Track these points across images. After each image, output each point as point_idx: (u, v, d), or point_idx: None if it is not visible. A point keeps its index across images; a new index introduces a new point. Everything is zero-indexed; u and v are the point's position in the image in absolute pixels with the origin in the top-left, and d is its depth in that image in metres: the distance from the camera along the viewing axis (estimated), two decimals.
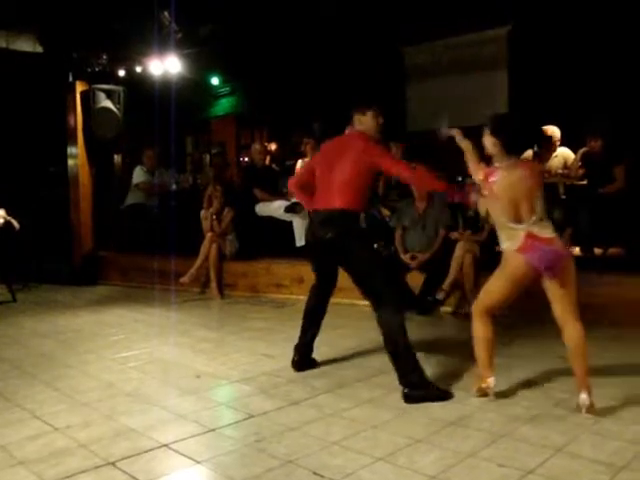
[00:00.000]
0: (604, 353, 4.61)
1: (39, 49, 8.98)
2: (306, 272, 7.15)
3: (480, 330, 3.76)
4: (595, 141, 6.53)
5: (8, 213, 7.97)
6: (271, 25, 8.79)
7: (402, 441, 3.10)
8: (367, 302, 4.05)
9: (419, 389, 3.70)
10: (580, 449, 2.94)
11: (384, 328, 3.84)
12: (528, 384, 3.95)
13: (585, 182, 6.62)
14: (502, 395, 3.74)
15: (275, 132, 11.38)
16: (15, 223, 7.91)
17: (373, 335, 5.05)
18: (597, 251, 6.61)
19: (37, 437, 3.29)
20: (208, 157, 11.10)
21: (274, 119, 11.07)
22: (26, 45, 8.78)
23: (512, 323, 5.73)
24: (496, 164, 3.60)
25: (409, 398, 3.66)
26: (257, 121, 11.79)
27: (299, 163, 8.14)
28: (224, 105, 11.91)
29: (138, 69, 9.13)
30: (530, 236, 3.48)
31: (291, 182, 4.62)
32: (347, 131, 4.26)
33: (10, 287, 7.85)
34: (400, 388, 3.73)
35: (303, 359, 4.40)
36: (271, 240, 7.94)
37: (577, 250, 6.71)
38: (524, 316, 5.87)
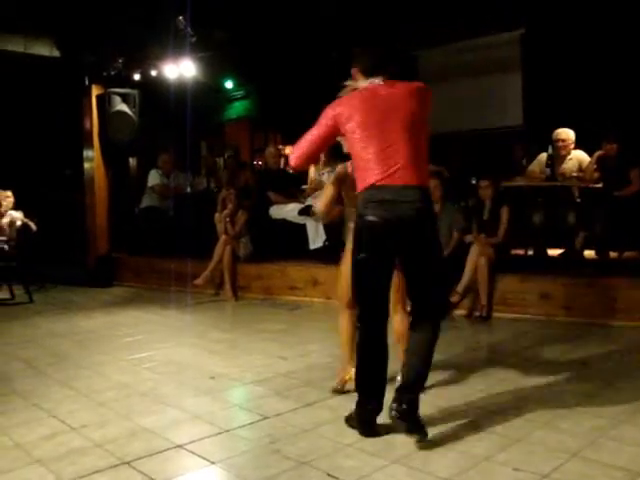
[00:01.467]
0: (618, 357, 4.60)
1: (56, 53, 9.06)
2: (320, 274, 7.18)
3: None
4: (610, 145, 6.51)
5: (25, 215, 8.05)
6: (284, 29, 8.82)
7: (416, 444, 3.09)
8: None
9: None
10: (596, 454, 2.92)
11: (426, 347, 3.21)
12: (542, 388, 3.93)
13: (600, 185, 6.59)
14: (516, 399, 3.72)
15: (289, 135, 11.40)
16: (32, 225, 7.99)
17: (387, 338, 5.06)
18: (612, 254, 6.58)
19: (53, 436, 3.32)
20: (222, 160, 11.13)
21: (288, 122, 11.09)
22: (43, 49, 8.86)
23: (527, 328, 5.73)
24: None
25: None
26: (271, 124, 11.80)
27: (311, 168, 8.13)
28: (238, 108, 11.95)
29: (153, 73, 9.18)
30: None
31: (297, 156, 3.43)
32: (381, 81, 3.26)
33: (27, 288, 7.92)
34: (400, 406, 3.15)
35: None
36: (285, 243, 7.96)
37: (592, 253, 6.70)
38: (539, 320, 5.87)
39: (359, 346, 3.30)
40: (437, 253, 3.32)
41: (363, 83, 3.32)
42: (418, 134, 3.17)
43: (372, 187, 3.13)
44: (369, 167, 3.15)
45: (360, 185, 3.22)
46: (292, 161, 3.49)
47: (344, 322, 3.88)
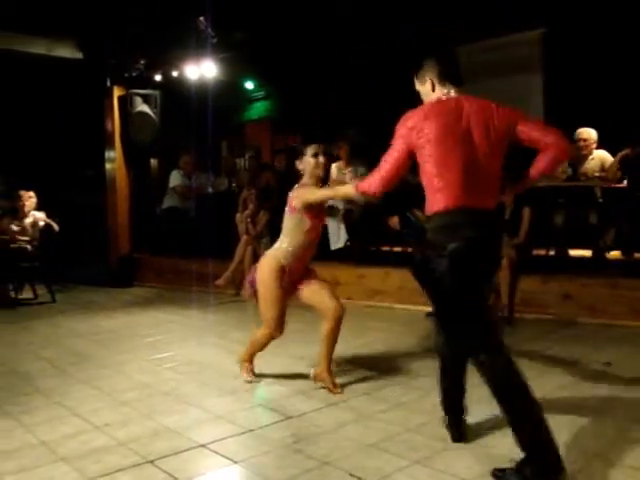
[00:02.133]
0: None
1: (78, 55, 9.15)
2: (341, 275, 7.17)
3: None
4: (635, 147, 6.44)
5: (48, 215, 8.13)
6: (305, 30, 8.83)
7: (438, 445, 3.09)
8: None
9: None
10: (620, 456, 2.90)
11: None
12: (564, 389, 3.91)
13: (624, 184, 6.52)
14: (539, 400, 3.69)
15: (309, 136, 11.39)
16: (55, 225, 8.07)
17: (409, 339, 5.06)
18: (637, 255, 6.51)
19: (77, 434, 3.36)
20: (242, 161, 11.17)
21: (308, 123, 11.09)
22: (66, 51, 8.96)
23: (549, 329, 5.70)
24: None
25: None
26: (291, 125, 11.79)
27: (333, 168, 8.13)
28: (259, 109, 11.98)
29: (174, 73, 9.24)
30: None
31: (379, 185, 3.07)
32: (455, 93, 3.01)
33: (50, 288, 8.00)
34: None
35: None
36: None
37: (617, 254, 6.63)
38: (561, 321, 5.83)
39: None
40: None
41: (435, 94, 3.03)
42: (498, 154, 2.94)
43: (451, 211, 2.85)
44: (446, 188, 2.85)
45: (434, 207, 2.91)
46: (374, 189, 3.11)
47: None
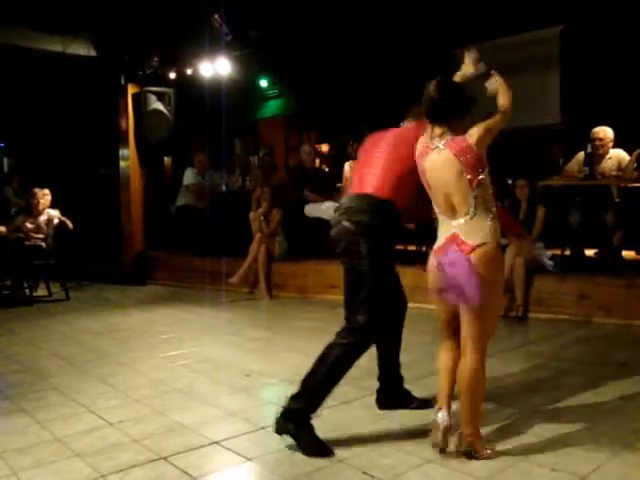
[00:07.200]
0: None
1: (93, 53, 9.17)
2: None
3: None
4: None
5: (62, 213, 8.16)
6: (319, 27, 8.82)
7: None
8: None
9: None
10: (636, 456, 2.87)
11: (331, 354, 3.35)
12: (580, 389, 3.88)
13: None
14: (554, 400, 3.68)
15: (324, 134, 11.38)
16: (69, 223, 8.09)
17: (423, 337, 5.04)
18: None
19: (92, 431, 3.38)
20: (256, 159, 11.17)
21: (322, 121, 11.08)
22: (81, 49, 8.98)
23: (564, 329, 5.66)
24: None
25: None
26: (305, 123, 11.79)
27: (346, 166, 8.12)
28: (272, 107, 11.97)
29: (188, 71, 9.24)
30: (453, 238, 2.91)
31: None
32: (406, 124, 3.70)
33: (64, 285, 8.04)
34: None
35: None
36: (322, 241, 7.95)
37: (631, 254, 6.58)
38: (576, 321, 5.79)
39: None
40: (365, 268, 3.30)
41: None
42: (388, 167, 3.38)
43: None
44: None
45: None
46: None
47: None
